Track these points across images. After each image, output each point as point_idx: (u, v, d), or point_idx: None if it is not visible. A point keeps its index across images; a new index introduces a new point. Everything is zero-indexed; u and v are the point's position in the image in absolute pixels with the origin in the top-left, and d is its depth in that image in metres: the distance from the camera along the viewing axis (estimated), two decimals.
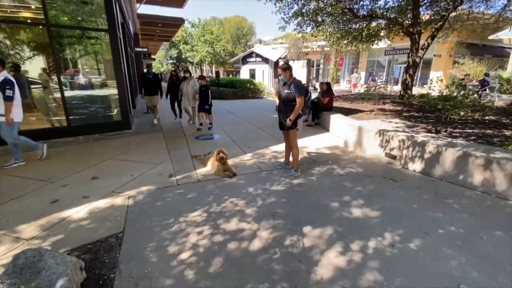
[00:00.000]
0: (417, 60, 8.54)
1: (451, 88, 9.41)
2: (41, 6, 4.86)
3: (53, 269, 1.57)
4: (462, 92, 7.91)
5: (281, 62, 9.28)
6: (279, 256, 2.11)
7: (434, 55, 17.22)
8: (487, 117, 5.87)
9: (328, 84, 7.33)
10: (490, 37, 15.13)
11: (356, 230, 2.45)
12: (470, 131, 4.59)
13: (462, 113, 5.92)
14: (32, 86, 5.73)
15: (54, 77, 5.57)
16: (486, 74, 11.19)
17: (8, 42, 5.42)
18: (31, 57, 5.76)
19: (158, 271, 1.97)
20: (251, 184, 3.48)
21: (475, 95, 8.13)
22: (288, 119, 3.51)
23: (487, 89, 10.46)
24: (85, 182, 3.52)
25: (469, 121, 5.56)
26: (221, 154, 3.71)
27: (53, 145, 5.05)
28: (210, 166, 3.97)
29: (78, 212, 2.79)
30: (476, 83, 11.24)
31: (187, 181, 3.61)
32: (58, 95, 5.47)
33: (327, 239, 2.32)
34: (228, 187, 3.43)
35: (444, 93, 8.09)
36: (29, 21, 5.51)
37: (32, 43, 5.70)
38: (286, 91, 3.55)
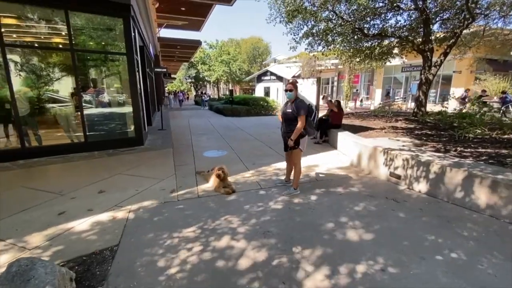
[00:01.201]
0: (430, 77, 8.39)
1: (468, 105, 9.08)
2: (67, 33, 5.40)
3: (42, 278, 1.67)
4: (484, 109, 7.55)
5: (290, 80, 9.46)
6: (262, 275, 2.09)
7: (454, 71, 16.75)
8: (506, 136, 5.57)
9: (338, 102, 7.35)
10: None
11: (347, 252, 2.38)
12: (483, 150, 4.38)
13: (478, 131, 5.67)
14: (56, 104, 6.23)
15: (80, 96, 6.04)
16: (504, 92, 10.70)
17: (41, 64, 6.00)
18: (58, 78, 6.31)
19: (144, 285, 2.02)
20: (249, 202, 3.50)
21: (493, 113, 7.75)
22: (289, 139, 3.55)
23: (509, 106, 9.94)
24: (92, 196, 3.71)
25: (486, 139, 5.30)
26: (218, 172, 3.79)
27: (70, 159, 5.40)
28: (212, 182, 4.05)
29: (80, 224, 2.94)
30: (497, 100, 10.75)
31: (188, 196, 3.70)
32: (78, 112, 5.91)
33: (316, 260, 2.27)
34: (225, 203, 3.47)
35: (462, 110, 7.83)
36: (60, 46, 6.10)
37: (59, 65, 6.27)
38: (288, 110, 3.61)
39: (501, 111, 10.05)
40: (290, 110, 3.56)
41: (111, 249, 2.50)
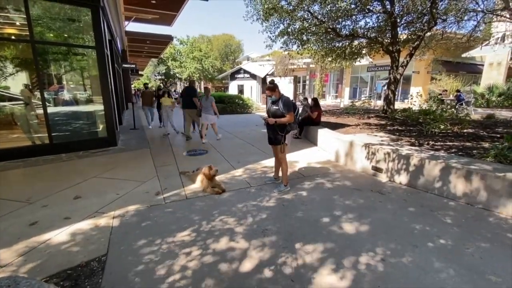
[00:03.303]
0: (398, 76, 8.96)
1: (429, 103, 9.89)
2: (26, 23, 4.81)
3: None
4: (440, 107, 8.36)
5: (268, 79, 9.48)
6: (271, 276, 2.05)
7: (413, 72, 18.14)
8: (465, 130, 6.15)
9: (315, 99, 7.54)
10: (463, 55, 16.18)
11: (347, 245, 2.44)
12: (451, 143, 4.78)
13: (442, 127, 6.18)
14: (13, 103, 5.55)
15: (37, 93, 5.43)
16: (458, 91, 11.88)
17: None
18: (13, 73, 5.62)
19: None
20: (241, 201, 3.43)
21: (453, 109, 8.55)
22: (274, 120, 3.52)
23: (463, 103, 11.02)
24: (67, 202, 3.36)
25: (449, 134, 5.80)
26: (206, 170, 3.67)
27: (33, 163, 4.85)
28: (199, 183, 3.90)
29: (58, 235, 2.64)
30: (453, 98, 11.86)
31: (175, 199, 3.52)
32: (40, 111, 5.32)
33: (319, 255, 2.29)
34: (217, 204, 3.36)
35: (424, 108, 8.49)
36: (13, 37, 5.42)
37: (15, 59, 5.58)
38: (274, 107, 3.60)
39: (456, 108, 11.12)
40: (277, 107, 3.56)
41: (99, 259, 2.28)
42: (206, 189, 3.71)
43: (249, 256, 2.29)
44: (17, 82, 5.60)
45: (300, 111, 6.52)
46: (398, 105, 11.87)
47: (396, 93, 10.50)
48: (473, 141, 5.01)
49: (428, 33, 9.26)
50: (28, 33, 4.87)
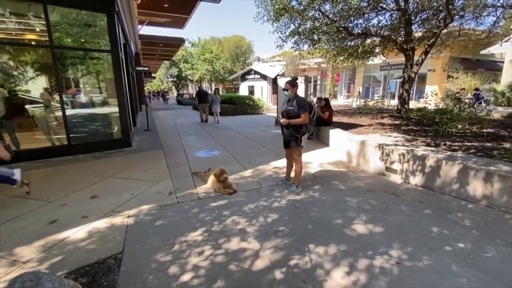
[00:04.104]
0: (412, 75, 8.73)
1: (446, 101, 9.58)
2: (45, 29, 5.02)
3: None
4: (458, 106, 8.07)
5: (279, 79, 9.44)
6: (283, 277, 2.05)
7: (428, 70, 17.64)
8: (484, 130, 5.92)
9: (326, 99, 7.47)
10: (482, 52, 15.58)
11: (361, 247, 2.40)
12: (469, 144, 4.62)
13: (460, 126, 5.98)
14: (34, 106, 5.80)
15: (56, 96, 5.65)
16: (476, 89, 11.43)
17: (11, 63, 5.54)
18: (33, 77, 5.86)
19: None
20: (252, 201, 3.44)
21: (471, 109, 8.24)
22: (287, 121, 3.50)
23: (482, 102, 10.61)
24: (84, 202, 3.48)
25: (467, 134, 5.60)
26: (219, 173, 3.71)
27: (53, 164, 5.04)
28: (211, 183, 3.94)
29: (76, 233, 2.74)
30: (471, 97, 11.44)
31: (188, 198, 3.57)
32: (59, 113, 5.53)
33: (332, 257, 2.26)
34: (229, 204, 3.39)
35: (440, 107, 8.23)
36: (33, 43, 5.66)
37: (35, 64, 5.82)
38: (288, 107, 3.58)
39: (474, 107, 10.71)
40: (292, 108, 3.53)
41: (115, 257, 2.35)
42: (218, 189, 3.74)
43: (261, 256, 2.30)
44: (37, 85, 5.85)
45: (315, 111, 6.49)
46: (413, 104, 11.58)
47: (411, 92, 10.26)
48: (493, 141, 4.82)
49: (445, 30, 8.98)
50: (47, 39, 5.08)
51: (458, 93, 12.41)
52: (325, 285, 1.96)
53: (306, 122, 3.49)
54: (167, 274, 2.12)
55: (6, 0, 4.84)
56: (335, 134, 6.17)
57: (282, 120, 3.55)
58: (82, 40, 6.17)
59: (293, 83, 3.57)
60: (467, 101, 11.82)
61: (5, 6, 4.91)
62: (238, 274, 2.09)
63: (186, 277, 2.07)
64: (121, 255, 2.37)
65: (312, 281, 1.99)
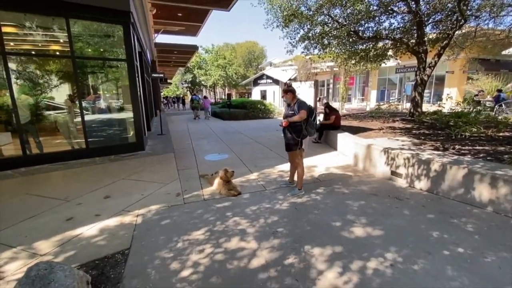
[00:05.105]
0: (425, 78, 8.56)
1: (463, 105, 9.27)
2: (67, 40, 5.42)
3: (62, 281, 1.70)
4: (476, 108, 7.78)
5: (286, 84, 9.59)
6: (276, 275, 2.13)
7: (446, 72, 17.07)
8: (501, 134, 5.71)
9: (327, 104, 7.36)
10: (503, 52, 14.91)
11: (356, 249, 2.44)
12: (480, 148, 4.49)
13: (474, 130, 5.80)
14: (57, 111, 6.23)
15: (77, 103, 6.04)
16: (499, 90, 10.94)
17: (38, 72, 6.00)
18: (57, 85, 6.31)
19: (159, 287, 2.05)
20: (255, 203, 3.54)
21: (489, 112, 7.94)
22: (285, 120, 3.64)
23: (502, 105, 10.16)
24: (98, 201, 3.72)
25: (482, 138, 5.43)
26: (222, 173, 3.85)
27: (72, 166, 5.39)
28: (216, 186, 4.08)
29: (89, 230, 2.95)
30: (490, 99, 10.98)
31: (194, 200, 3.73)
32: (79, 119, 5.92)
33: (326, 258, 2.32)
34: (232, 206, 3.51)
35: (457, 110, 8.00)
36: (57, 53, 6.11)
37: (59, 73, 6.28)
38: (290, 111, 3.70)
39: (494, 110, 10.27)
40: (292, 112, 3.64)
41: (122, 252, 2.52)
42: (223, 191, 3.88)
43: (258, 255, 2.39)
44: (60, 93, 6.29)
45: (318, 116, 6.51)
46: (430, 107, 11.26)
47: (426, 94, 10.00)
48: (507, 145, 4.66)
49: (459, 32, 8.75)
50: (69, 49, 5.47)
51: (476, 95, 11.95)
52: (317, 283, 2.02)
53: (304, 118, 3.57)
54: (169, 269, 2.26)
55: (33, 15, 5.27)
56: (343, 138, 6.17)
57: (284, 122, 3.66)
58: (101, 50, 6.58)
59: (286, 90, 3.77)
60: (487, 103, 11.36)
61: (32, 20, 5.36)
62: (234, 271, 2.20)
63: (185, 273, 2.20)
64: (128, 251, 2.55)
65: (304, 280, 2.06)
